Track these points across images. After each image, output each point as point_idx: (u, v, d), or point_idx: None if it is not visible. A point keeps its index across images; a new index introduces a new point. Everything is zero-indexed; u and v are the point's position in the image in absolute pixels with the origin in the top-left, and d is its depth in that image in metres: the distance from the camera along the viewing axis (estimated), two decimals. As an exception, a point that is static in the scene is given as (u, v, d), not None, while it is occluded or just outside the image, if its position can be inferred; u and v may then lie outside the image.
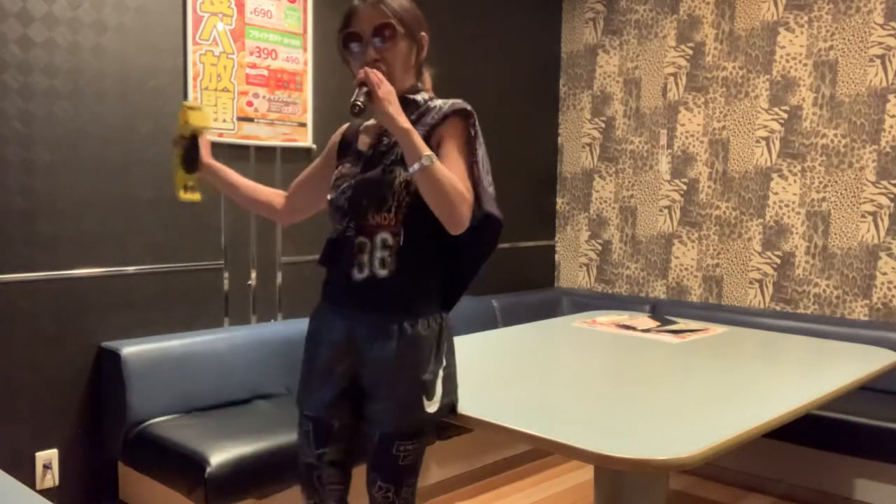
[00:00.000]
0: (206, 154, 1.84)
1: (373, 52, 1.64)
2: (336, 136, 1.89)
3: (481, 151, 1.66)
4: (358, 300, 1.69)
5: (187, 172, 1.83)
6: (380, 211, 1.64)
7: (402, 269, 1.64)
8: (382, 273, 1.65)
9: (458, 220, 1.56)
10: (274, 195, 1.93)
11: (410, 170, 1.54)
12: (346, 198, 1.69)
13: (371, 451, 1.69)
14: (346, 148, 1.82)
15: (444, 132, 1.64)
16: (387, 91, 1.53)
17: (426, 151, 1.52)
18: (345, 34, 1.67)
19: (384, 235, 1.64)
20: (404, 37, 1.66)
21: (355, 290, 1.68)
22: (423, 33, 1.72)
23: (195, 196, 1.85)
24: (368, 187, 1.66)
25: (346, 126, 1.89)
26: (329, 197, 1.75)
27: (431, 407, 1.66)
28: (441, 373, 1.68)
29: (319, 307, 1.79)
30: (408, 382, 1.64)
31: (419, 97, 1.73)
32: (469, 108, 1.67)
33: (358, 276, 1.67)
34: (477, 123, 1.67)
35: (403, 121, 1.53)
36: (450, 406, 1.73)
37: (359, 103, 1.51)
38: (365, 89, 1.53)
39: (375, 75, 1.54)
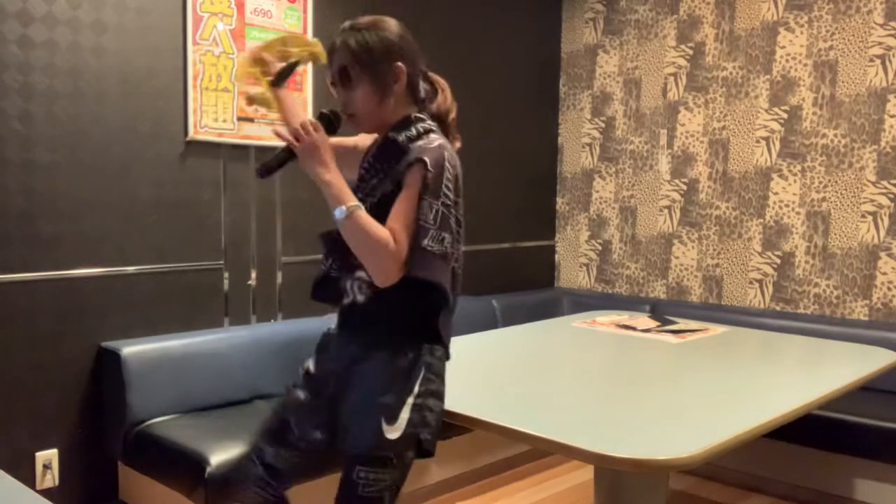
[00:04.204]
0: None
1: (339, 96, 1.67)
2: (362, 142, 1.85)
3: (436, 205, 1.55)
4: (348, 324, 1.73)
5: (274, 85, 1.88)
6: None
7: (377, 296, 1.64)
8: (361, 298, 1.67)
9: (378, 272, 1.54)
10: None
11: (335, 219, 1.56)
12: (326, 247, 1.74)
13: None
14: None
15: (405, 180, 1.58)
16: (307, 143, 1.54)
17: (349, 202, 1.52)
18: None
19: (360, 272, 1.66)
20: (363, 77, 1.61)
21: (345, 314, 1.73)
22: (398, 63, 1.62)
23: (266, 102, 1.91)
24: (338, 244, 1.64)
25: (368, 139, 1.83)
26: (320, 232, 1.78)
27: (392, 433, 1.57)
28: (410, 401, 1.60)
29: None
30: (367, 402, 1.61)
31: (401, 137, 1.64)
32: (428, 158, 1.55)
33: (345, 300, 1.72)
34: (441, 176, 1.55)
35: (323, 172, 1.54)
36: (415, 439, 1.60)
37: (268, 164, 1.57)
38: (284, 147, 1.56)
39: (294, 132, 1.54)
